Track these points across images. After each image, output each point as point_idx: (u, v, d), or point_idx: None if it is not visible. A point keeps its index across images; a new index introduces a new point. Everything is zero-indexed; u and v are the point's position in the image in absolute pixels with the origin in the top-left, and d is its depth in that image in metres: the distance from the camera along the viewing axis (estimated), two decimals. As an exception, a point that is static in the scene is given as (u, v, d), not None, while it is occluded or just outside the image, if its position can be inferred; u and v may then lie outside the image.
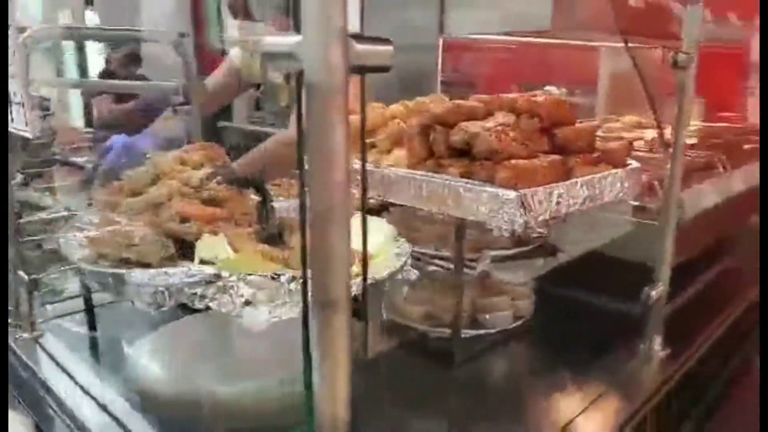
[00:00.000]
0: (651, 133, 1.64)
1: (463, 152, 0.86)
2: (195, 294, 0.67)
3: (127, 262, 0.81)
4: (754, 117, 1.67)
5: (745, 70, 2.21)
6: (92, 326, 1.03)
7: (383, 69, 0.42)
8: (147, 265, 0.80)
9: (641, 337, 0.97)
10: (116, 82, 1.76)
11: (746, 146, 1.53)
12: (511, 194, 0.76)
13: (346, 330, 0.43)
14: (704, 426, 0.91)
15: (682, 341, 1.00)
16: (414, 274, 0.84)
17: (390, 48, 0.42)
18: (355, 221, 0.92)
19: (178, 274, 0.68)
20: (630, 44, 1.09)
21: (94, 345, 1.02)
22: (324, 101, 0.40)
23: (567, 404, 0.84)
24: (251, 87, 1.88)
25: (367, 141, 1.00)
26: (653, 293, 0.93)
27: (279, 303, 0.66)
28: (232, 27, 1.53)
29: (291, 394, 0.76)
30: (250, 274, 0.66)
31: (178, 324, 1.00)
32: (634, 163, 0.95)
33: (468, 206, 0.79)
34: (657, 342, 0.96)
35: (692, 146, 1.36)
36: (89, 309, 1.02)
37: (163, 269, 0.70)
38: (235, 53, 1.76)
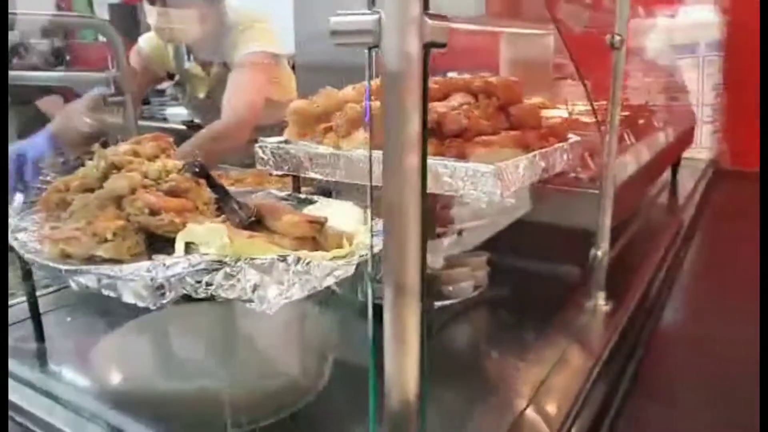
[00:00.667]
0: (557, 112, 1.79)
1: (429, 132, 0.90)
2: (199, 283, 0.65)
3: (93, 261, 0.77)
4: (633, 97, 1.85)
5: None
6: (40, 335, 0.95)
7: (443, 45, 0.44)
8: (118, 262, 0.77)
9: (587, 295, 1.07)
10: (36, 74, 1.58)
11: (640, 121, 1.72)
12: (489, 168, 0.81)
13: (418, 314, 0.45)
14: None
15: (620, 296, 1.11)
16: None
17: (447, 24, 0.44)
18: (327, 204, 0.94)
19: (181, 263, 0.65)
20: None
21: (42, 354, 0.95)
22: (400, 79, 0.41)
23: (537, 360, 0.91)
24: (162, 79, 1.79)
25: (324, 125, 1.01)
26: (599, 254, 1.02)
27: (288, 284, 0.66)
28: (149, 13, 1.46)
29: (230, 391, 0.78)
30: (254, 258, 0.66)
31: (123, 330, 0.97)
32: (574, 137, 1.04)
33: (445, 182, 0.83)
34: (601, 297, 1.06)
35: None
36: (35, 316, 0.95)
37: (162, 259, 0.67)
38: (145, 41, 1.67)
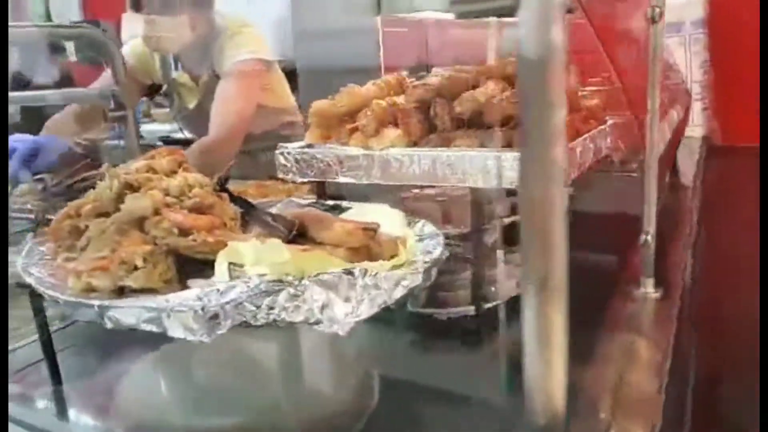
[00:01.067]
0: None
1: (465, 124, 0.84)
2: (259, 307, 0.58)
3: (121, 293, 0.69)
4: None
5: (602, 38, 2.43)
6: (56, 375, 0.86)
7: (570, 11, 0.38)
8: (150, 292, 0.69)
9: (633, 283, 1.02)
10: (26, 93, 1.45)
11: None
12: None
13: (564, 312, 0.39)
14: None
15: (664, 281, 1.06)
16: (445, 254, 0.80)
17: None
18: (362, 209, 0.87)
19: (238, 286, 0.58)
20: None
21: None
22: (545, 53, 0.35)
23: (606, 359, 0.85)
24: (150, 91, 1.69)
25: (349, 126, 0.94)
26: (648, 238, 0.97)
27: (357, 301, 0.59)
28: (135, 20, 1.37)
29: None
30: (318, 274, 0.59)
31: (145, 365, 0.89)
32: (611, 119, 0.99)
33: (501, 175, 0.77)
34: (650, 284, 1.01)
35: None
36: (50, 356, 0.85)
37: (206, 284, 0.59)
38: (129, 51, 1.57)
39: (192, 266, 0.74)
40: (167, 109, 1.84)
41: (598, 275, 1.12)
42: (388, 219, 0.81)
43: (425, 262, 0.66)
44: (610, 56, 1.07)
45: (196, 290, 0.59)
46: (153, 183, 0.81)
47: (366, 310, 0.59)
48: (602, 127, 0.92)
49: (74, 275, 0.69)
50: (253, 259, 0.66)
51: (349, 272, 0.59)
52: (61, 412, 0.83)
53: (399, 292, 0.62)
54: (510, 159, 0.75)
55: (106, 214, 0.82)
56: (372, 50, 1.41)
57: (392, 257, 0.71)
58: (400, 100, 0.95)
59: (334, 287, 0.59)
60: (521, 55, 0.35)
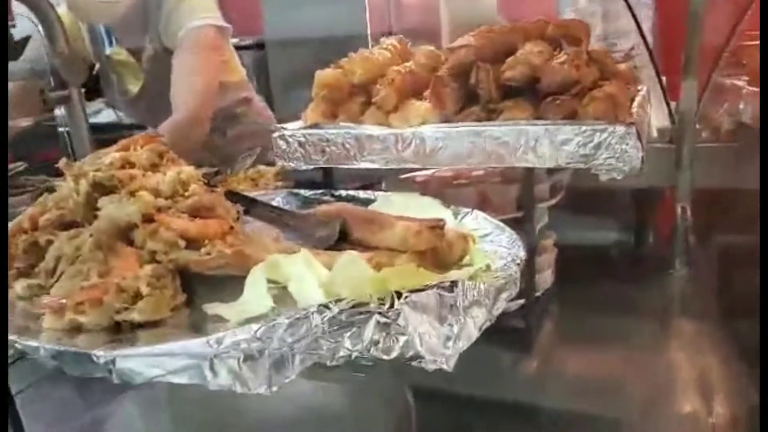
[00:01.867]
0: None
1: (513, 92, 0.72)
2: (338, 342, 0.43)
3: (118, 331, 0.52)
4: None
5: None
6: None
7: None
8: (154, 325, 0.53)
9: (664, 263, 0.94)
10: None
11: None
12: (621, 128, 0.63)
13: None
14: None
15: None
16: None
17: None
18: (389, 201, 0.73)
19: (312, 317, 0.43)
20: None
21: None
22: None
23: (661, 349, 0.77)
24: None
25: (361, 100, 0.80)
26: (686, 215, 0.90)
27: (459, 324, 0.46)
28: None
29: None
30: (413, 291, 0.45)
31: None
32: (642, 86, 0.90)
33: (559, 151, 0.65)
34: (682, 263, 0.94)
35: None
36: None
37: (278, 319, 0.43)
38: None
39: (202, 286, 0.58)
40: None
41: (626, 254, 1.04)
42: (429, 211, 0.67)
43: (515, 263, 0.54)
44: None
45: (252, 326, 0.43)
46: (137, 182, 0.63)
47: (468, 335, 0.46)
48: (640, 92, 0.83)
49: (52, 312, 0.52)
50: (300, 275, 0.51)
51: (449, 288, 0.46)
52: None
53: (500, 307, 0.49)
54: (591, 132, 0.63)
55: (74, 224, 0.63)
56: (351, 17, 1.25)
57: (461, 258, 0.58)
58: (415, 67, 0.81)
59: (431, 310, 0.45)
60: None
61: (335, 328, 0.43)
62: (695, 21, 0.86)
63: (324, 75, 0.77)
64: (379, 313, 0.43)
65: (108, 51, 1.37)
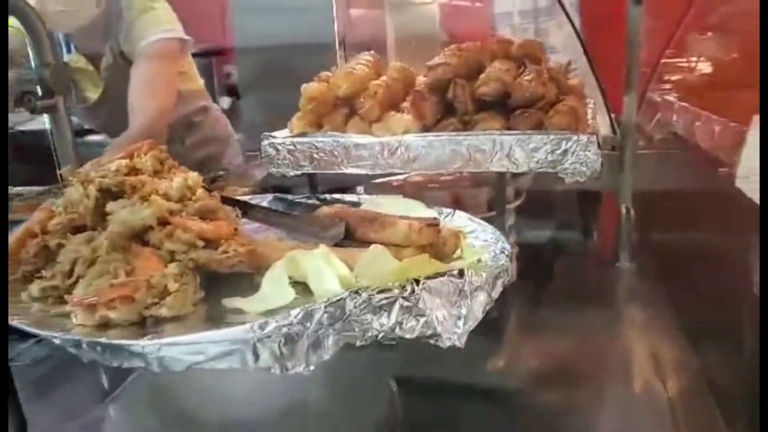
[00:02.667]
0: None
1: (486, 105, 0.80)
2: (368, 325, 0.49)
3: (142, 326, 0.56)
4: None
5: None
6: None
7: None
8: (175, 320, 0.57)
9: (608, 257, 1.05)
10: None
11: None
12: (584, 137, 0.73)
13: None
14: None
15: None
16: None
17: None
18: (375, 202, 0.79)
19: (346, 302, 0.48)
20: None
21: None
22: None
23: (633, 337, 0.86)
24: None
25: (344, 112, 0.86)
26: (630, 214, 1.01)
27: (467, 307, 0.53)
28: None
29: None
30: (429, 278, 0.51)
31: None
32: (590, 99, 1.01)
33: (531, 157, 0.74)
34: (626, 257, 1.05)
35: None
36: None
37: (318, 302, 0.49)
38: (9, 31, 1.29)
39: (216, 283, 0.63)
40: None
41: (574, 251, 1.14)
42: (417, 211, 0.74)
43: (505, 254, 0.61)
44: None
45: (294, 310, 0.48)
46: (148, 187, 0.67)
47: (474, 316, 0.53)
48: (591, 105, 0.93)
49: (83, 309, 0.55)
50: (318, 270, 0.57)
51: (457, 275, 0.53)
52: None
53: (497, 291, 0.57)
54: (558, 141, 0.72)
55: (83, 228, 0.66)
56: (321, 25, 1.30)
57: (453, 253, 0.65)
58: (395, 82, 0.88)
59: (444, 294, 0.52)
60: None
61: (365, 311, 0.49)
62: (633, 40, 0.97)
63: (310, 88, 0.83)
64: (403, 297, 0.50)
65: (66, 58, 1.36)
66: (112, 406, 0.79)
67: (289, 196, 0.87)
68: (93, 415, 0.77)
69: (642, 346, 0.81)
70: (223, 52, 2.44)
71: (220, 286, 0.62)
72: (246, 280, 0.62)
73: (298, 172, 0.84)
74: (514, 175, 0.90)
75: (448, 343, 0.51)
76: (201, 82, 1.57)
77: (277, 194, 0.89)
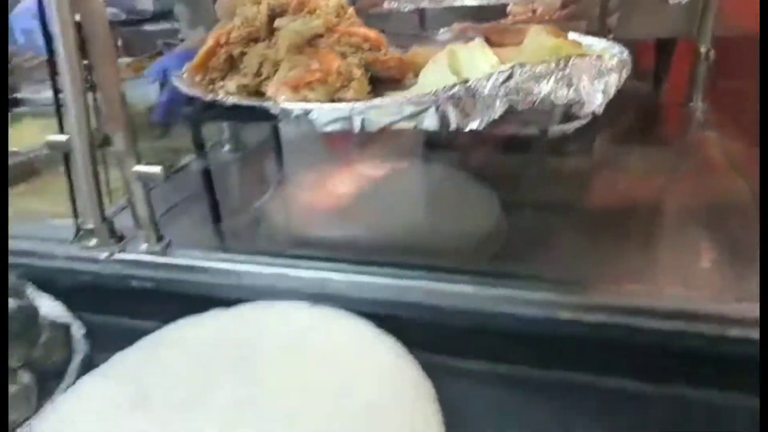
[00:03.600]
0: None
1: None
2: (531, 92, 0.61)
3: None
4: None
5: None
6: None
7: None
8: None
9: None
10: None
11: None
12: None
13: None
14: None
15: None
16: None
17: None
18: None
19: (515, 72, 0.61)
20: None
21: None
22: None
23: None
24: None
25: None
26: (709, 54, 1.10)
27: (605, 83, 0.64)
28: None
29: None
30: (578, 57, 0.63)
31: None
32: None
33: None
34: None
35: None
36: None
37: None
38: None
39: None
40: None
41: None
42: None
43: (623, 53, 0.72)
44: None
45: (470, 80, 0.60)
46: (312, 4, 0.78)
47: (609, 93, 0.65)
48: None
49: (289, 89, 0.68)
50: (472, 59, 0.68)
51: (596, 58, 0.64)
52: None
53: (623, 78, 0.68)
54: None
55: (256, 40, 0.78)
56: None
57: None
58: None
59: (587, 71, 0.63)
60: None
61: (529, 80, 0.61)
62: None
63: None
64: (558, 69, 0.62)
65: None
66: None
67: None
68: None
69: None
70: None
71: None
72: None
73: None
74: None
75: (588, 110, 0.63)
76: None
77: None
